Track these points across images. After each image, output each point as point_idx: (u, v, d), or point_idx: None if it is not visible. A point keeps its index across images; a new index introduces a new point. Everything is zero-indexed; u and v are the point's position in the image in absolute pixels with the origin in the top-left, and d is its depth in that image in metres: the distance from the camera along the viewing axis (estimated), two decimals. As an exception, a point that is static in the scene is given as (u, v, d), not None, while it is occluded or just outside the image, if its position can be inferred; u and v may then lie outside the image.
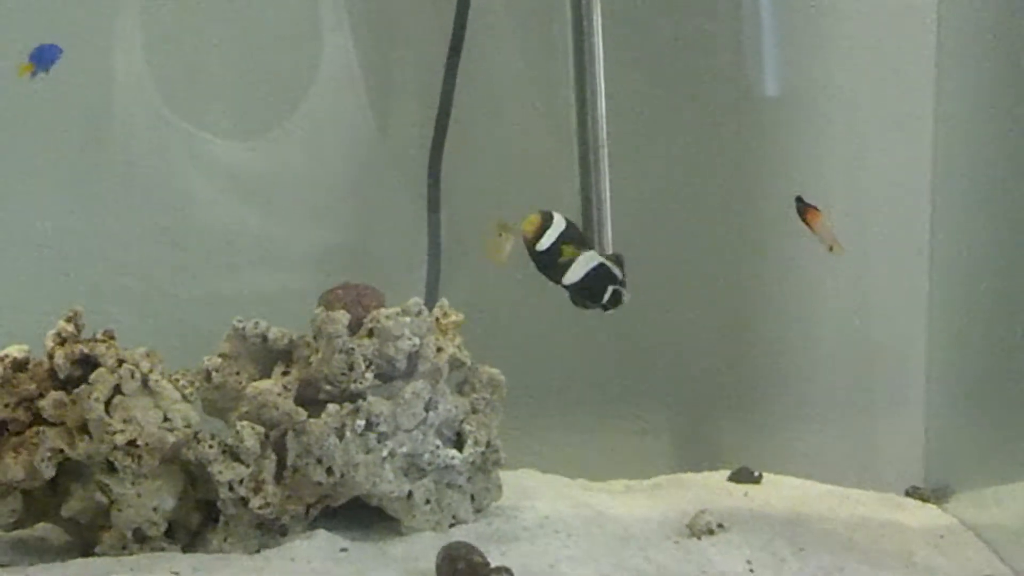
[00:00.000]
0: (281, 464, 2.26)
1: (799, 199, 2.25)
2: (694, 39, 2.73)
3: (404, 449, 2.28)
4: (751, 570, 2.18)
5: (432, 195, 2.70)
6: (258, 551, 2.23)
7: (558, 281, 2.25)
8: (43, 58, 2.29)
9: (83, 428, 2.19)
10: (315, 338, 2.31)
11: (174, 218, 2.76)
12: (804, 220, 2.25)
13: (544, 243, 2.21)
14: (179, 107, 2.72)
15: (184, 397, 2.26)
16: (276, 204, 2.78)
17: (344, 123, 2.79)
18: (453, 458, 2.33)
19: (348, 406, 2.26)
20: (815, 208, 2.24)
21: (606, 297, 2.28)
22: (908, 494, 2.66)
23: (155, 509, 2.21)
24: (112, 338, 2.28)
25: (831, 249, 2.24)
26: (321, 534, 2.26)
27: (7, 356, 2.24)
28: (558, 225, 2.21)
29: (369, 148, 2.80)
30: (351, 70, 2.76)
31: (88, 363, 2.23)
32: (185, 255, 2.76)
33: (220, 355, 2.36)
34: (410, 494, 2.30)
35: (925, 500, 2.62)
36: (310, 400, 2.30)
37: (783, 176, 2.75)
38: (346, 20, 2.74)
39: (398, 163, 2.78)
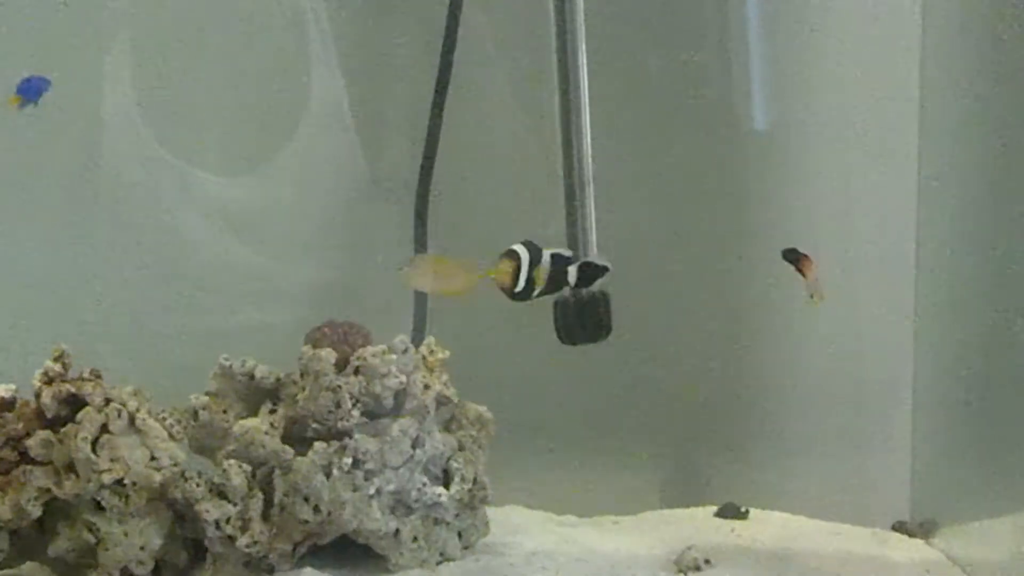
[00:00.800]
0: (268, 502, 2.26)
1: (791, 250, 2.27)
2: (682, 70, 2.74)
3: (391, 487, 2.28)
4: (738, 606, 2.19)
5: (418, 233, 2.70)
6: (245, 589, 2.24)
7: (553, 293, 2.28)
8: (31, 90, 2.30)
9: (70, 467, 2.19)
10: (302, 376, 2.31)
11: (162, 255, 2.76)
12: (798, 269, 2.26)
13: (520, 284, 2.20)
14: (168, 143, 2.72)
15: (171, 436, 2.26)
16: (264, 240, 2.78)
17: (333, 158, 2.79)
18: (440, 495, 2.33)
19: (335, 444, 2.26)
20: (807, 256, 2.25)
21: (573, 278, 2.28)
22: (895, 529, 2.66)
23: (142, 548, 2.21)
24: (99, 377, 2.28)
25: (811, 297, 2.25)
26: (308, 572, 2.26)
27: (-6, 396, 2.24)
28: (523, 258, 2.19)
29: (358, 184, 2.80)
30: (340, 105, 2.77)
31: (75, 402, 2.23)
32: (172, 292, 2.75)
33: (207, 393, 2.36)
34: (397, 531, 2.30)
35: (912, 535, 2.61)
36: (297, 438, 2.30)
37: (771, 211, 2.76)
38: (335, 55, 2.75)
39: (387, 199, 2.78)
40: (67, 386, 2.23)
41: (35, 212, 2.73)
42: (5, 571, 2.26)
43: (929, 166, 2.64)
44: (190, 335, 2.74)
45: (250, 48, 2.76)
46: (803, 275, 2.25)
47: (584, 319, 2.42)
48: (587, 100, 2.46)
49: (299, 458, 2.25)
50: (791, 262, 2.27)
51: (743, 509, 2.71)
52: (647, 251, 2.76)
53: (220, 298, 2.76)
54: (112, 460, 2.19)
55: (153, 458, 2.22)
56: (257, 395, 2.36)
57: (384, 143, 2.81)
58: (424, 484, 2.32)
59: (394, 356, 2.31)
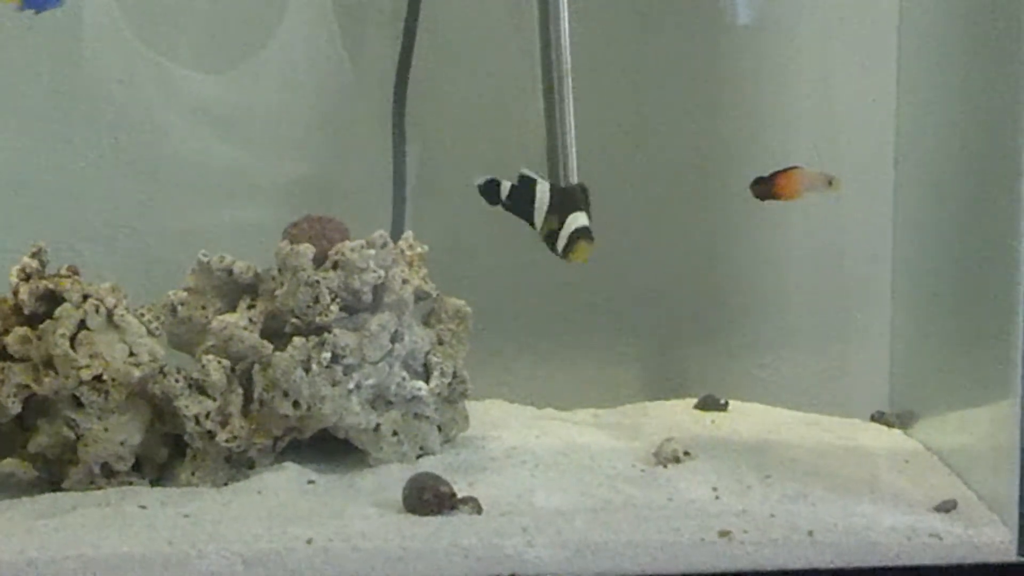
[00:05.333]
0: (248, 397, 2.27)
1: (757, 182, 2.27)
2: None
3: (370, 381, 2.29)
4: (717, 497, 2.19)
5: (397, 126, 2.69)
6: (226, 484, 2.24)
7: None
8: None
9: (49, 364, 2.19)
10: (280, 271, 2.31)
11: (140, 151, 2.74)
12: (777, 193, 2.26)
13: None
14: (148, 38, 2.70)
15: (150, 332, 2.26)
16: (242, 136, 2.76)
17: (313, 54, 2.77)
18: (420, 389, 2.34)
19: (314, 339, 2.26)
20: (789, 170, 2.25)
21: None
22: (873, 419, 2.68)
23: (122, 444, 2.21)
24: (76, 273, 2.27)
25: (830, 184, 2.26)
26: (289, 467, 2.28)
27: (-29, 294, 2.24)
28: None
29: (339, 79, 2.78)
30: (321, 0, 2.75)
31: (53, 299, 2.22)
32: (150, 189, 2.74)
33: (185, 289, 2.37)
34: (377, 426, 2.31)
35: (890, 425, 2.63)
36: (276, 333, 2.30)
37: (753, 107, 2.75)
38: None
39: (368, 95, 2.76)
40: (44, 283, 2.23)
41: (12, 111, 2.71)
42: (-14, 466, 2.27)
43: (907, 65, 2.63)
44: (168, 232, 2.73)
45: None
46: (781, 197, 2.25)
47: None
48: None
49: (278, 353, 2.25)
50: (762, 197, 2.27)
51: (722, 401, 2.72)
52: (628, 149, 2.75)
53: (198, 196, 2.74)
54: (91, 356, 2.18)
55: (132, 354, 2.22)
56: (235, 291, 2.36)
57: (367, 38, 2.78)
58: (403, 378, 2.33)
59: (372, 251, 2.31)
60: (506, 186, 2.35)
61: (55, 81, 2.71)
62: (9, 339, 2.20)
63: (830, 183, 2.27)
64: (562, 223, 2.26)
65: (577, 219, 2.26)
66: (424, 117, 2.73)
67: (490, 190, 2.37)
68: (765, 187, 2.30)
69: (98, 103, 2.72)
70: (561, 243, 2.25)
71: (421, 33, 2.67)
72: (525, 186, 2.33)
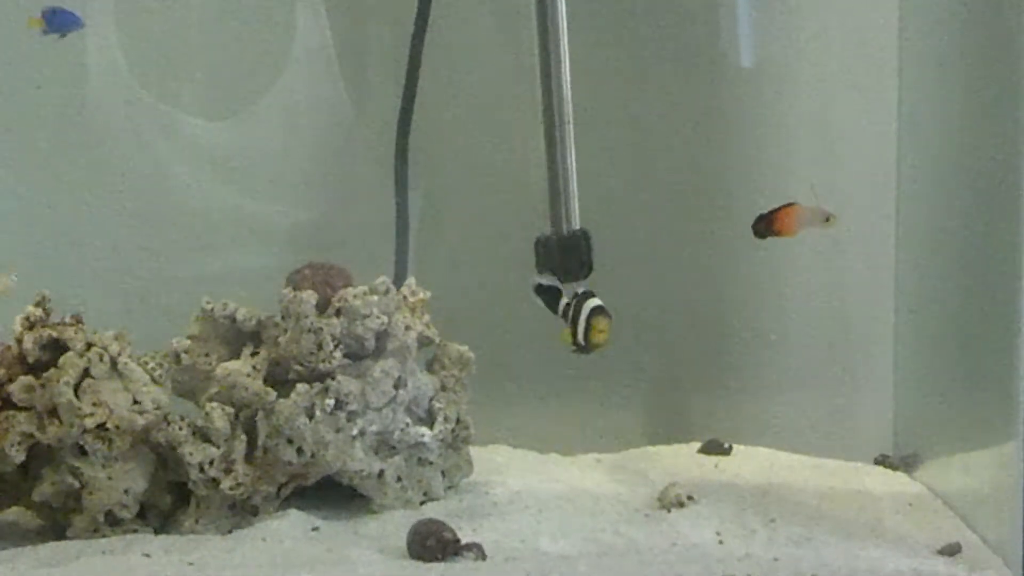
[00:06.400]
0: (252, 444, 2.27)
1: (758, 221, 2.28)
2: (664, 8, 2.73)
3: (374, 427, 2.29)
4: (721, 541, 2.19)
5: (400, 172, 2.69)
6: (230, 532, 2.24)
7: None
8: (60, 22, 2.29)
9: (53, 412, 2.19)
10: (283, 318, 2.32)
11: (143, 198, 2.75)
12: (777, 232, 2.27)
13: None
14: (150, 84, 2.71)
15: (153, 379, 2.26)
16: (246, 182, 2.77)
17: (317, 100, 2.78)
18: (423, 435, 2.34)
19: (317, 385, 2.26)
20: (781, 212, 2.26)
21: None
22: (877, 462, 2.67)
23: (126, 492, 2.22)
24: (80, 322, 2.28)
25: (827, 220, 2.26)
26: (293, 513, 2.27)
27: (-25, 342, 2.24)
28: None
29: (342, 126, 2.79)
30: (325, 46, 2.75)
31: (57, 347, 2.23)
32: (154, 235, 2.75)
33: (189, 337, 2.37)
34: (381, 472, 2.31)
35: (894, 468, 2.63)
36: (280, 380, 2.30)
37: (755, 150, 2.76)
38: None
39: (371, 141, 2.77)
40: (48, 331, 2.23)
41: (17, 156, 2.72)
42: (-10, 516, 2.27)
43: (908, 102, 2.64)
44: (172, 279, 2.74)
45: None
46: (781, 234, 2.26)
47: (565, 257, 2.42)
48: (566, 38, 2.44)
49: (281, 400, 2.26)
50: (762, 235, 2.28)
51: (726, 445, 2.72)
52: (629, 189, 2.76)
53: (202, 241, 2.75)
54: (94, 404, 2.19)
55: (136, 402, 2.22)
56: (239, 338, 2.37)
57: (371, 84, 2.79)
58: (407, 424, 2.33)
59: (375, 297, 2.32)
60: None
61: (59, 128, 2.72)
62: (13, 387, 2.21)
63: (827, 219, 2.28)
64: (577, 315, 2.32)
65: (588, 304, 2.33)
66: (427, 163, 2.73)
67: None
68: (764, 224, 2.30)
69: (101, 150, 2.73)
70: (580, 332, 2.32)
71: (424, 77, 2.68)
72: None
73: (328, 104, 2.77)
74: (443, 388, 2.42)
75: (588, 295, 2.35)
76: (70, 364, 2.20)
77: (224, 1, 2.75)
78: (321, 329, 2.28)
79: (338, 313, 2.30)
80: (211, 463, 2.24)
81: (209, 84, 2.77)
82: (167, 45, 2.73)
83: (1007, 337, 2.09)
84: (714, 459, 2.68)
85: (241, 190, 2.76)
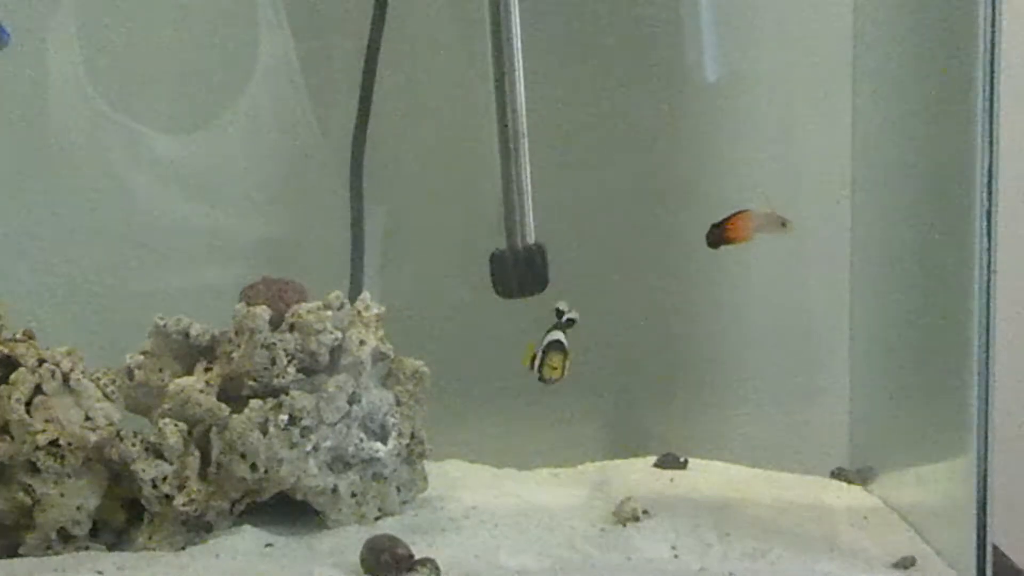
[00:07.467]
0: (205, 461, 2.26)
1: (712, 230, 2.29)
2: (621, 24, 2.74)
3: (328, 443, 2.28)
4: (676, 556, 2.19)
5: (354, 187, 2.69)
6: (183, 548, 2.23)
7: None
8: None
9: (4, 429, 2.18)
10: (237, 334, 2.31)
11: (97, 214, 2.74)
12: (730, 240, 2.27)
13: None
14: (110, 99, 2.70)
15: (106, 396, 2.26)
16: (201, 198, 2.76)
17: (278, 115, 2.78)
18: (378, 451, 2.34)
19: (271, 401, 2.25)
20: (738, 214, 2.27)
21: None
22: (833, 476, 2.68)
23: (79, 508, 2.20)
24: (32, 338, 2.27)
25: (783, 225, 2.27)
26: (247, 530, 2.26)
27: (-74, 358, 2.23)
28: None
29: (304, 141, 2.79)
30: (286, 61, 2.75)
31: (8, 363, 2.22)
32: (107, 251, 2.74)
33: (142, 352, 2.36)
34: (335, 488, 2.31)
35: (850, 482, 2.63)
36: (233, 396, 2.29)
37: (711, 162, 2.76)
38: (282, 12, 2.73)
39: (332, 156, 2.76)
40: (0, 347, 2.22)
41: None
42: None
43: (862, 112, 2.65)
44: (127, 295, 2.72)
45: (196, 5, 2.74)
46: (735, 241, 2.27)
47: (520, 272, 2.42)
48: (520, 53, 2.43)
49: (235, 416, 2.25)
50: (716, 244, 2.28)
51: (682, 459, 2.72)
52: (585, 204, 2.76)
53: (155, 256, 2.74)
54: (46, 421, 2.18)
55: (88, 418, 2.22)
56: (192, 354, 2.36)
57: (329, 99, 2.79)
58: (361, 440, 2.32)
59: (329, 312, 2.31)
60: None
61: (17, 142, 2.70)
62: (-36, 404, 2.20)
63: (783, 224, 2.28)
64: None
65: (549, 336, 2.34)
66: (386, 177, 2.73)
67: None
68: (718, 232, 2.31)
69: (58, 165, 2.72)
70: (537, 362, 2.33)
71: (382, 90, 2.67)
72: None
73: (289, 119, 2.77)
74: (398, 403, 2.41)
75: (558, 326, 2.37)
76: (22, 380, 2.19)
77: (185, 15, 2.74)
78: (275, 344, 2.27)
79: (292, 328, 2.30)
80: (164, 479, 2.22)
81: (169, 98, 2.76)
82: (128, 59, 2.72)
83: (961, 351, 2.10)
84: (670, 473, 2.67)
85: (197, 205, 2.75)
